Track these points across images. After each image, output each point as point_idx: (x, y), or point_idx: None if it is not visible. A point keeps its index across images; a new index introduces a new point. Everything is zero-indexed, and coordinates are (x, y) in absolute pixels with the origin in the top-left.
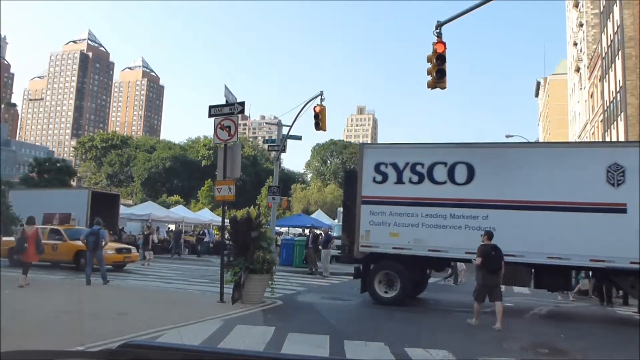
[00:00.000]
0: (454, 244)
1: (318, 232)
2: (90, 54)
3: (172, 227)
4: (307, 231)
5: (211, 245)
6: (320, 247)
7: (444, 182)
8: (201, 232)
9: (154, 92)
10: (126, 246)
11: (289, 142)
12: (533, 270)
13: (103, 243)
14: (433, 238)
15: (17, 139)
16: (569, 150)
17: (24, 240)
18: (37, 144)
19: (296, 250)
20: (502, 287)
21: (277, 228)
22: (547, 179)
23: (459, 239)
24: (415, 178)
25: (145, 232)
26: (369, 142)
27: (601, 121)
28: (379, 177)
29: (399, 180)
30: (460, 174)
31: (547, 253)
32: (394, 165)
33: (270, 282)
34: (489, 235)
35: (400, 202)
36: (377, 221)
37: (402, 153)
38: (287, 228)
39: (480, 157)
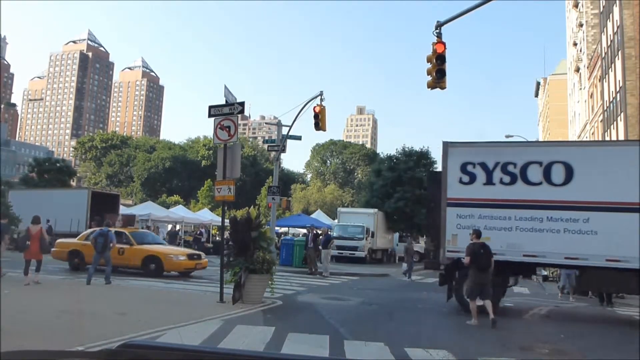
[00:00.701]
0: (552, 249)
1: (319, 232)
2: (90, 54)
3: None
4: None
5: (208, 245)
6: (320, 247)
7: (540, 183)
8: (198, 232)
9: (154, 92)
10: (197, 252)
11: (289, 142)
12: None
13: (111, 245)
14: (529, 242)
15: (17, 139)
16: None
17: (27, 238)
18: (37, 144)
19: (296, 250)
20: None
21: (277, 228)
22: None
23: (557, 244)
24: (506, 179)
25: None
26: (370, 142)
27: (601, 121)
28: (465, 178)
29: (489, 181)
30: (558, 174)
31: None
32: (483, 165)
33: (270, 282)
34: (477, 234)
35: (490, 205)
36: (465, 225)
37: (491, 152)
38: (287, 228)
39: (580, 156)
